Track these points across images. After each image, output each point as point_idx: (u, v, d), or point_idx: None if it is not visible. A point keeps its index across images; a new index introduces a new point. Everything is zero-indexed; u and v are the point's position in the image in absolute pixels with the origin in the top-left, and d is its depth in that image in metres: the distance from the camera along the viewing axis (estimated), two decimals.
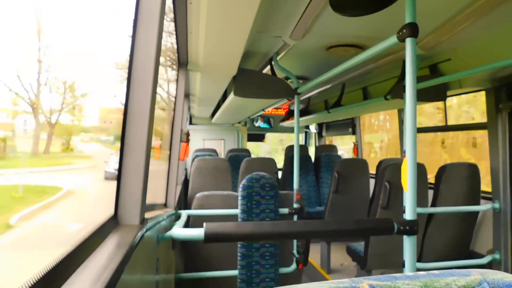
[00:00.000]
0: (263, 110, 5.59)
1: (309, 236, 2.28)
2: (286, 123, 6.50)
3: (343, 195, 4.13)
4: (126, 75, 1.06)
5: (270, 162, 4.69)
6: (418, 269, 1.49)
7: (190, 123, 7.11)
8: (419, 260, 2.99)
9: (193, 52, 2.42)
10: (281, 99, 3.96)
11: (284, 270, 2.84)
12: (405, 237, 1.48)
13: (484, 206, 2.84)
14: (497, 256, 2.75)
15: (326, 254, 4.23)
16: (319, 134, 7.52)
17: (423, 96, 2.77)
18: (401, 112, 4.26)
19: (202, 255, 2.82)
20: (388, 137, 6.75)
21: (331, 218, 4.15)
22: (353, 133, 5.88)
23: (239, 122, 7.23)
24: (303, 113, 5.57)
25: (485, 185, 3.08)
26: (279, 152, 12.44)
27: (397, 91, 2.85)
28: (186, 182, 4.94)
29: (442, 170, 2.93)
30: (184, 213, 2.59)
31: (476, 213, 3.01)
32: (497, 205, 2.76)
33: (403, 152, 1.75)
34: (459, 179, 2.93)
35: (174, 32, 2.17)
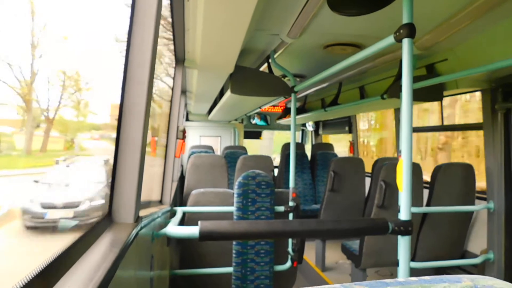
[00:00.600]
0: (260, 107, 5.59)
1: (304, 236, 2.29)
2: (282, 121, 6.50)
3: (339, 193, 4.14)
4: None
5: (266, 160, 4.70)
6: (412, 269, 1.50)
7: (187, 119, 7.10)
8: (413, 259, 3.01)
9: (190, 49, 2.41)
10: (278, 97, 3.96)
11: (279, 268, 2.85)
12: (399, 237, 1.49)
13: (478, 206, 2.86)
14: (490, 256, 2.77)
15: (321, 252, 4.24)
16: (316, 132, 7.53)
17: (419, 96, 2.78)
18: (397, 111, 4.27)
19: (197, 251, 2.82)
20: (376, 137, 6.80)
21: (326, 216, 4.16)
22: (350, 131, 5.90)
23: (235, 119, 7.22)
24: (300, 111, 5.57)
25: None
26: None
27: (394, 90, 2.85)
28: (182, 178, 4.94)
29: (437, 170, 2.94)
30: (180, 210, 2.59)
31: (470, 213, 3.03)
32: (491, 205, 2.78)
33: (398, 152, 1.76)
34: (454, 179, 2.95)
35: (171, 29, 2.16)
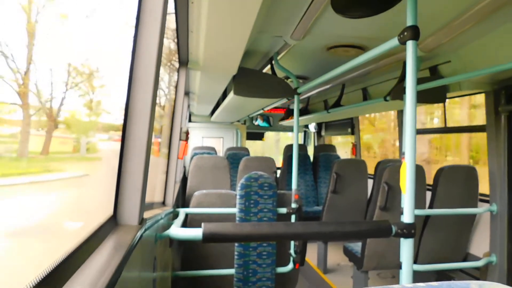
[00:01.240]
0: (262, 109, 5.60)
1: (306, 238, 2.29)
2: (285, 122, 6.51)
3: (341, 195, 4.13)
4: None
5: (269, 161, 4.70)
6: (414, 271, 1.50)
7: (190, 120, 7.11)
8: (415, 261, 3.00)
9: (194, 51, 2.42)
10: (281, 98, 3.97)
11: (281, 269, 2.85)
12: (402, 239, 1.49)
13: (481, 209, 2.85)
14: (493, 259, 2.76)
15: (323, 254, 4.24)
16: (318, 134, 7.52)
17: (422, 97, 2.78)
18: (400, 113, 4.27)
19: (199, 253, 2.82)
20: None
21: (328, 218, 4.16)
22: (352, 133, 5.89)
23: (238, 121, 7.23)
24: (302, 112, 5.57)
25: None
26: None
27: (397, 92, 2.85)
28: (184, 180, 4.94)
29: (440, 172, 2.94)
30: (182, 212, 2.60)
31: (473, 216, 3.02)
32: (494, 208, 2.77)
33: (402, 153, 1.75)
34: (457, 182, 2.94)
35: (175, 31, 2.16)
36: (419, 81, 2.56)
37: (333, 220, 4.00)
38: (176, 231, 1.77)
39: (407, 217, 1.45)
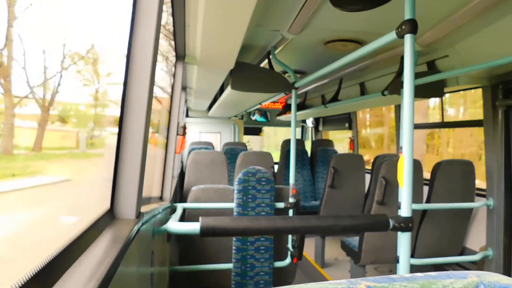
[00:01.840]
0: (260, 103, 5.59)
1: (304, 232, 2.30)
2: (283, 117, 6.50)
3: (339, 190, 4.14)
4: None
5: (267, 156, 4.70)
6: (411, 265, 1.51)
7: (187, 115, 7.10)
8: (412, 255, 3.02)
9: (191, 45, 2.41)
10: (278, 93, 3.96)
11: (279, 264, 2.86)
12: (399, 233, 1.49)
13: (478, 203, 2.87)
14: (489, 253, 2.78)
15: (321, 249, 4.26)
16: (316, 129, 7.53)
17: (420, 92, 2.78)
18: (397, 108, 4.27)
19: (196, 247, 2.82)
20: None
21: (326, 212, 4.17)
22: (350, 128, 5.90)
23: (235, 116, 7.22)
24: (300, 107, 5.56)
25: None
26: None
27: (395, 87, 2.85)
28: (182, 175, 4.94)
29: (437, 167, 2.94)
30: (180, 206, 2.60)
31: (470, 210, 3.04)
32: (491, 202, 2.79)
33: (399, 148, 1.75)
34: (454, 176, 2.95)
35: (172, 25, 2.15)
36: (417, 75, 2.55)
37: (330, 214, 4.02)
38: (174, 225, 1.77)
39: (404, 211, 1.45)
